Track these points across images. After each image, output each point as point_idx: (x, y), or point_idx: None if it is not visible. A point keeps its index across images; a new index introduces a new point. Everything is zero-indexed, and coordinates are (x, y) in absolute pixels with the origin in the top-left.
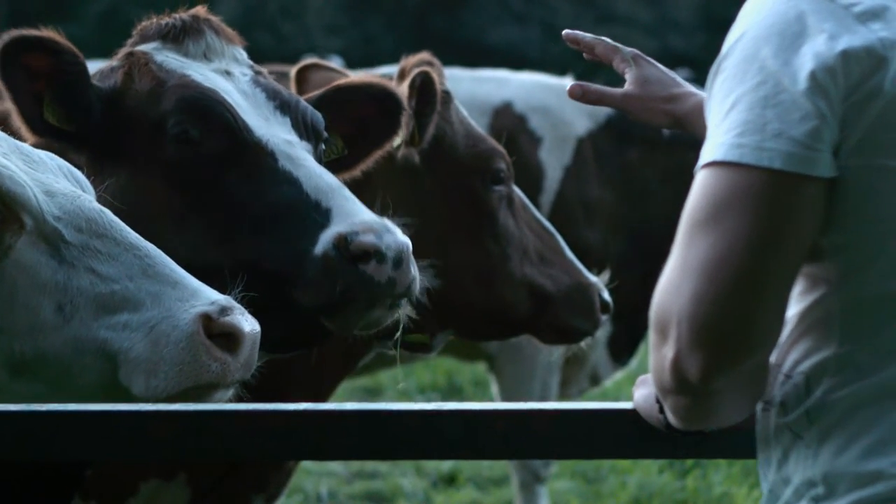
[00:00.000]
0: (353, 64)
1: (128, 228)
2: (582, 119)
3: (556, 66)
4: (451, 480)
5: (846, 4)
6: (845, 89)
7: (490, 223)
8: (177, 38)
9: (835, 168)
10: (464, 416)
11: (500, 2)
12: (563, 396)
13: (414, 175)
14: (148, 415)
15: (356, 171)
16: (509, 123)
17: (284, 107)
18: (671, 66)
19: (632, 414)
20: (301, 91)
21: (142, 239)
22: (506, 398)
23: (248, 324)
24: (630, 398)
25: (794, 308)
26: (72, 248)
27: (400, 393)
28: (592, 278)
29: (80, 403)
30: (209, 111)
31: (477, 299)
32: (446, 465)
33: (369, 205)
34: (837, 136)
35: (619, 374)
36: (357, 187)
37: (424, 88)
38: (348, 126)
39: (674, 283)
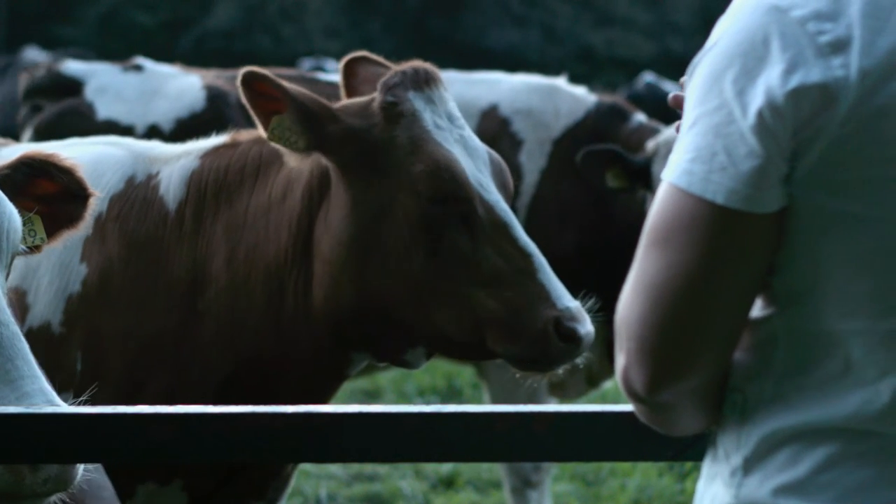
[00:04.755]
0: None
1: (2, 306)
2: (559, 119)
3: (555, 69)
4: (450, 483)
5: (814, 32)
6: (794, 127)
7: (430, 241)
8: None
9: (784, 198)
10: (463, 419)
11: (500, 4)
12: (562, 401)
13: (365, 189)
14: (149, 417)
15: None
16: (494, 126)
17: None
18: (671, 68)
19: (631, 416)
20: (349, 84)
21: (8, 324)
22: (495, 403)
23: None
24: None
25: (753, 313)
26: None
27: (399, 395)
28: (565, 304)
29: (79, 406)
30: None
31: (420, 318)
32: (445, 468)
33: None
34: (786, 169)
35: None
36: (316, 191)
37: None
38: None
39: (628, 298)
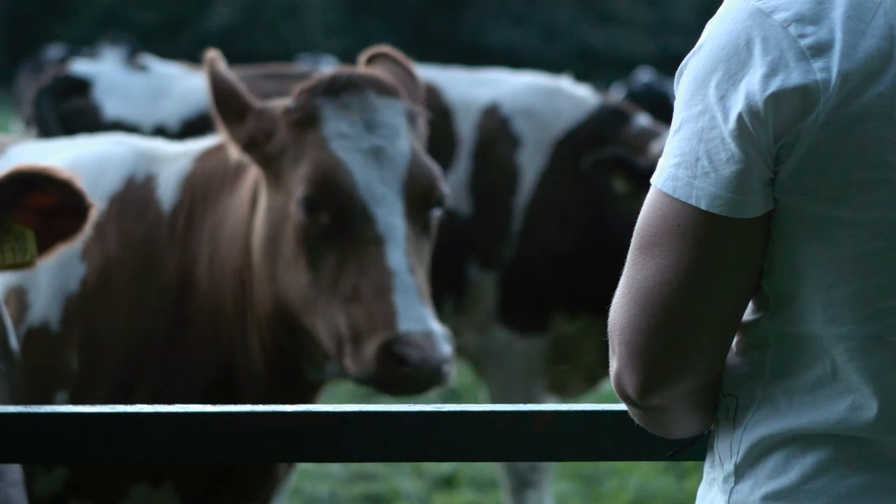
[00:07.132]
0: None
1: None
2: (560, 120)
3: (554, 68)
4: (449, 482)
5: (796, 35)
6: (775, 132)
7: (308, 251)
8: None
9: (769, 202)
10: (463, 418)
11: (500, 3)
12: (562, 400)
13: (273, 194)
14: (149, 417)
15: None
16: (494, 125)
17: None
18: (671, 67)
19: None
20: None
21: None
22: (494, 403)
23: None
24: None
25: (746, 316)
26: None
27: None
28: (408, 328)
29: (79, 405)
30: None
31: (309, 330)
32: (445, 467)
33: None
34: (769, 173)
35: None
36: (258, 193)
37: None
38: None
39: (619, 303)
